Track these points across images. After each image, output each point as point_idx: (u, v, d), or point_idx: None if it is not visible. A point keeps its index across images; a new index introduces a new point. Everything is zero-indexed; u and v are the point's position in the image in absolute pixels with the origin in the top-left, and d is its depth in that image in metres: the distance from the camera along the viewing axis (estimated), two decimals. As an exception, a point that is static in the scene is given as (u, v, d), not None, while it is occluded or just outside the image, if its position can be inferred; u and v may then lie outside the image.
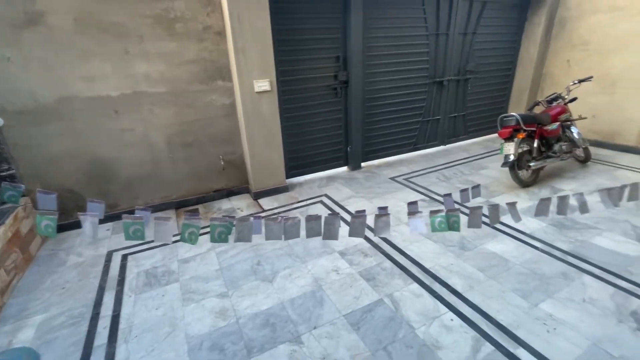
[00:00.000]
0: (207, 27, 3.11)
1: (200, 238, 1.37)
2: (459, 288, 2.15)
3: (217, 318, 2.01)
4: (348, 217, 3.04)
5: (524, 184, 3.56)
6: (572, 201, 1.57)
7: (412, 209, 1.50)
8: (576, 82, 3.85)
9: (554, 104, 3.84)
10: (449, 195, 1.74)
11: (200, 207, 3.56)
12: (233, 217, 1.42)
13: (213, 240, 1.33)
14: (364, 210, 1.45)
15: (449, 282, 2.21)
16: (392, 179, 4.05)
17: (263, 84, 3.25)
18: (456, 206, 1.47)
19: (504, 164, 3.38)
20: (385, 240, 2.70)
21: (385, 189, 3.77)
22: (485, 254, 2.48)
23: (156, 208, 3.36)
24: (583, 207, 1.53)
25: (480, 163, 4.45)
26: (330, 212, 3.25)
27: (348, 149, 4.32)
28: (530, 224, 2.84)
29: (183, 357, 1.75)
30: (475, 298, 2.06)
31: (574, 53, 4.77)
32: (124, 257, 2.66)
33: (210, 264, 2.52)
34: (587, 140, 4.14)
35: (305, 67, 3.70)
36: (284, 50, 3.49)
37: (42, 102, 2.73)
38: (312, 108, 3.91)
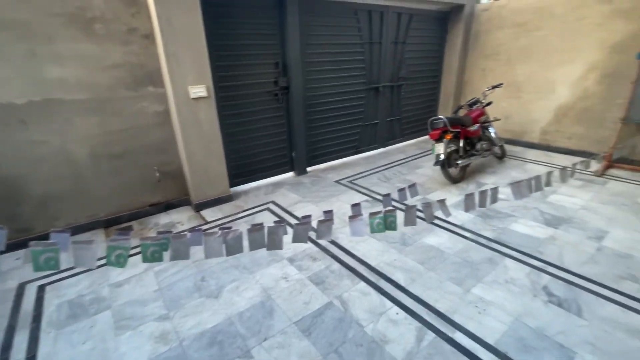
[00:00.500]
0: (133, 29, 2.88)
1: (134, 258, 1.26)
2: (402, 282, 2.28)
3: (157, 343, 1.85)
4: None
5: (454, 180, 3.92)
6: (489, 194, 1.77)
7: (356, 211, 1.55)
8: (490, 88, 4.40)
9: (474, 107, 4.31)
10: (388, 195, 1.84)
11: (134, 223, 3.26)
12: (170, 232, 1.33)
13: (146, 260, 1.23)
14: (309, 216, 1.46)
15: (393, 278, 2.32)
16: (337, 182, 4.15)
17: (199, 90, 3.10)
18: (396, 205, 1.56)
19: (436, 163, 3.69)
20: (332, 242, 2.75)
21: (330, 192, 3.85)
22: (424, 248, 2.67)
23: (82, 228, 3.00)
24: (494, 198, 1.75)
25: (417, 163, 4.79)
26: (277, 219, 3.21)
27: (293, 154, 4.32)
28: (460, 216, 3.12)
29: (118, 393, 1.58)
30: (417, 290, 2.20)
31: (487, 62, 5.41)
32: (41, 289, 2.31)
33: (148, 285, 2.31)
34: (503, 138, 4.74)
35: (244, 73, 3.63)
36: (221, 55, 3.39)
37: None
38: (253, 114, 3.85)
